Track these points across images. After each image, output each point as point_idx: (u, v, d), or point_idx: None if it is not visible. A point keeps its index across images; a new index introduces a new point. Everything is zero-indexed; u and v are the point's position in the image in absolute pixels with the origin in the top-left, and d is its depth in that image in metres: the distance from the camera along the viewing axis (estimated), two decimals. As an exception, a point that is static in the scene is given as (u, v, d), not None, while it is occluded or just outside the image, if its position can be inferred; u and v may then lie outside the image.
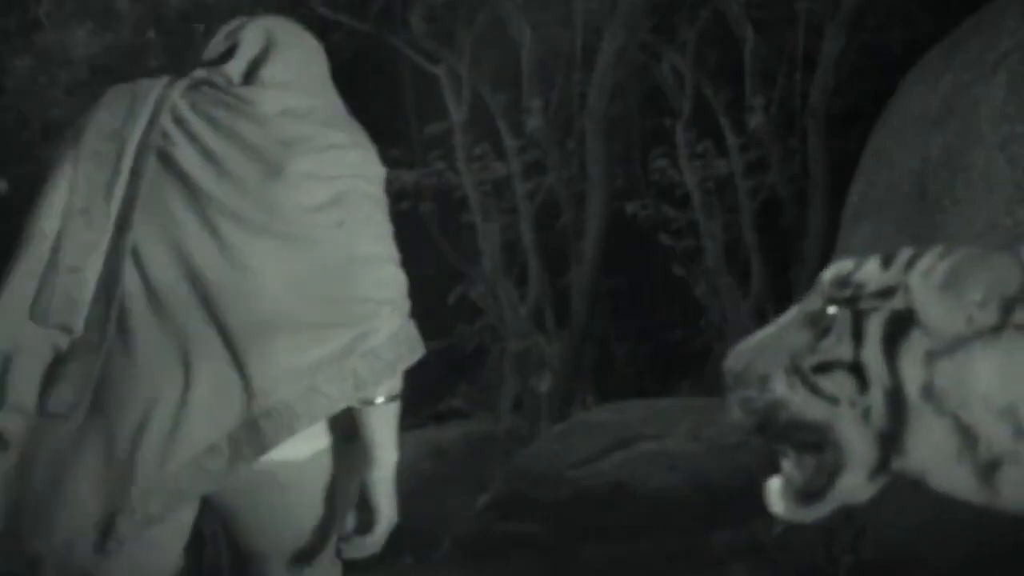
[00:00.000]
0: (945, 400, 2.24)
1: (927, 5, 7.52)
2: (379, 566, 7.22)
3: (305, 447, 2.62)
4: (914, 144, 5.43)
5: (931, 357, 2.24)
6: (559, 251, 8.39)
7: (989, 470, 2.26)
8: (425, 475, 6.93)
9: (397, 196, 8.82)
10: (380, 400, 2.60)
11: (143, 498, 2.50)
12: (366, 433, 2.61)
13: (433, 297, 9.23)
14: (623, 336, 8.43)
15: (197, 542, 2.83)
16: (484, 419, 8.02)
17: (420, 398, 8.20)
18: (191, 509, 2.61)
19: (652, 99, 8.52)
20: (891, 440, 2.25)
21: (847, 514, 5.03)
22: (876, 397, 2.24)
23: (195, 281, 2.56)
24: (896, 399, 2.24)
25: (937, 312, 2.25)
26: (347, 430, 2.68)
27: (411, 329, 2.63)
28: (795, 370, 2.26)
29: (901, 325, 2.25)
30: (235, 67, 2.73)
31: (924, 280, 2.26)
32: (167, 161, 2.64)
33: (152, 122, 2.69)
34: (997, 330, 2.23)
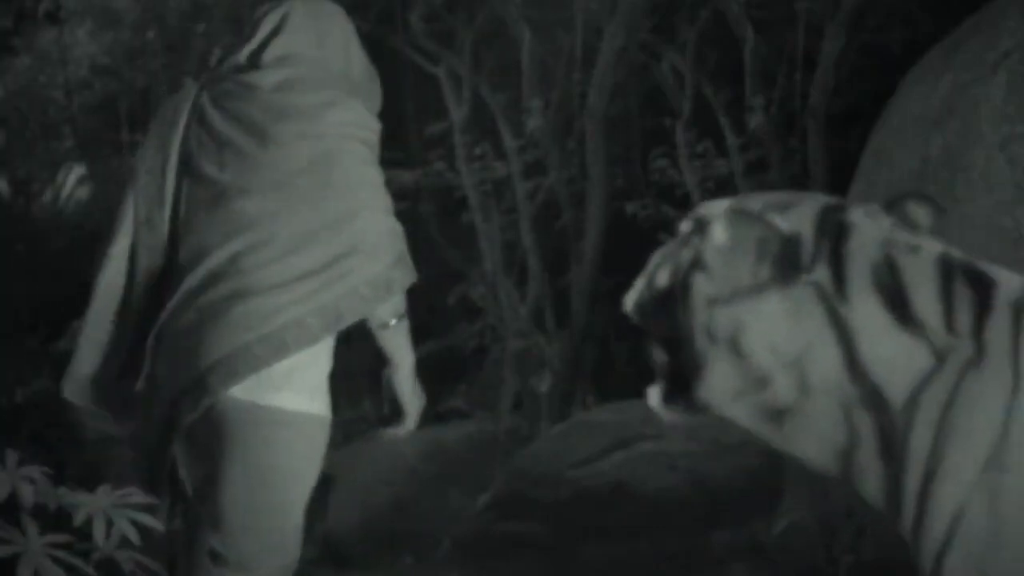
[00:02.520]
0: (727, 344, 2.34)
1: (927, 5, 7.52)
2: (379, 566, 7.21)
3: (294, 399, 2.95)
4: (914, 144, 5.42)
5: (712, 303, 2.36)
6: (559, 251, 8.38)
7: (777, 416, 2.34)
8: (425, 475, 6.93)
9: (397, 196, 8.80)
10: (393, 323, 3.04)
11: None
12: (386, 347, 3.08)
13: (433, 297, 9.24)
14: (623, 336, 8.42)
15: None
16: (484, 419, 8.02)
17: (420, 398, 8.19)
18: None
19: (652, 99, 8.52)
20: (693, 368, 2.40)
21: (847, 514, 5.03)
22: (686, 325, 2.41)
23: (230, 263, 2.95)
24: (691, 332, 2.40)
25: (721, 263, 2.37)
26: None
27: (392, 270, 2.98)
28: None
29: (696, 266, 2.40)
30: (247, 49, 3.12)
31: (715, 230, 2.39)
32: (191, 165, 3.04)
33: (187, 128, 3.07)
34: (789, 283, 2.31)
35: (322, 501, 3.10)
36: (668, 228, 8.04)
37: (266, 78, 3.03)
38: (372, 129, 3.06)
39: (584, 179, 8.20)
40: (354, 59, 3.17)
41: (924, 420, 2.21)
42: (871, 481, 2.30)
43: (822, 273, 2.30)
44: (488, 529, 6.09)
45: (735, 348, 2.33)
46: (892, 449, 2.25)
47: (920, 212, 2.43)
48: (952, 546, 2.17)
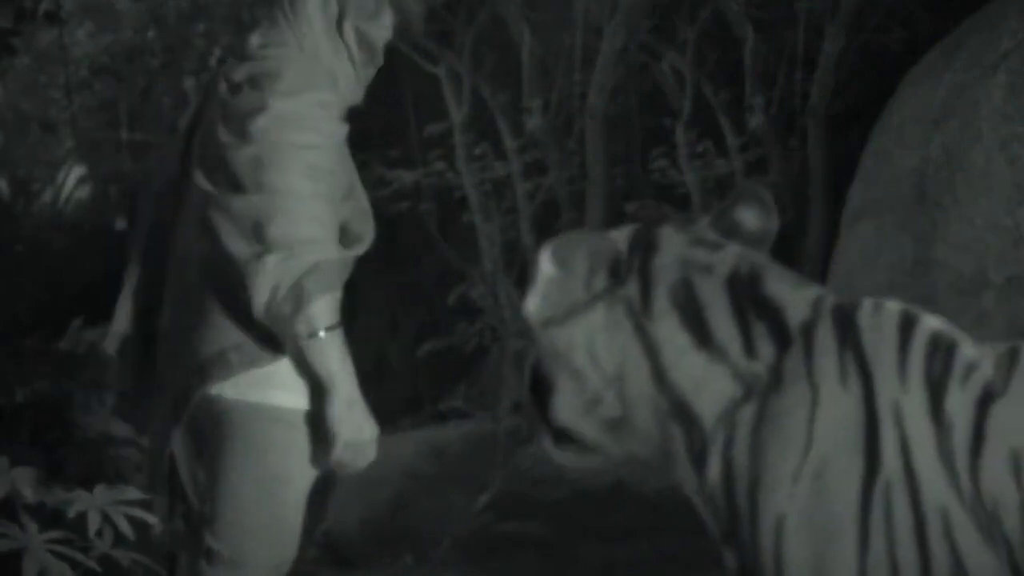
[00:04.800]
0: (566, 363, 2.48)
1: (927, 5, 7.52)
2: (379, 566, 7.21)
3: (291, 396, 2.87)
4: (914, 144, 5.43)
5: (547, 324, 2.50)
6: (559, 251, 8.37)
7: (613, 426, 2.50)
8: (425, 475, 6.93)
9: (397, 196, 8.83)
10: (321, 335, 2.79)
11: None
12: (315, 363, 2.82)
13: (433, 297, 9.23)
14: (623, 336, 8.41)
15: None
16: (484, 419, 8.02)
17: (420, 398, 8.20)
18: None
19: (652, 99, 8.52)
20: (547, 392, 2.54)
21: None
22: (536, 351, 2.56)
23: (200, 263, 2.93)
24: (540, 357, 2.54)
25: (551, 289, 2.49)
26: None
27: (306, 279, 2.78)
28: None
29: (531, 294, 2.53)
30: (244, 33, 3.17)
31: (542, 260, 2.52)
32: (190, 149, 2.99)
33: (200, 108, 3.03)
34: (610, 300, 2.45)
35: (322, 501, 3.06)
36: (668, 228, 8.04)
37: (240, 72, 2.93)
38: (316, 130, 2.86)
39: (584, 179, 8.20)
40: (329, 39, 2.96)
41: (740, 439, 2.36)
42: (689, 487, 2.49)
43: (632, 288, 2.44)
44: (488, 529, 6.10)
45: (570, 366, 2.46)
46: (702, 461, 2.42)
47: (747, 215, 2.52)
48: (783, 550, 2.32)
